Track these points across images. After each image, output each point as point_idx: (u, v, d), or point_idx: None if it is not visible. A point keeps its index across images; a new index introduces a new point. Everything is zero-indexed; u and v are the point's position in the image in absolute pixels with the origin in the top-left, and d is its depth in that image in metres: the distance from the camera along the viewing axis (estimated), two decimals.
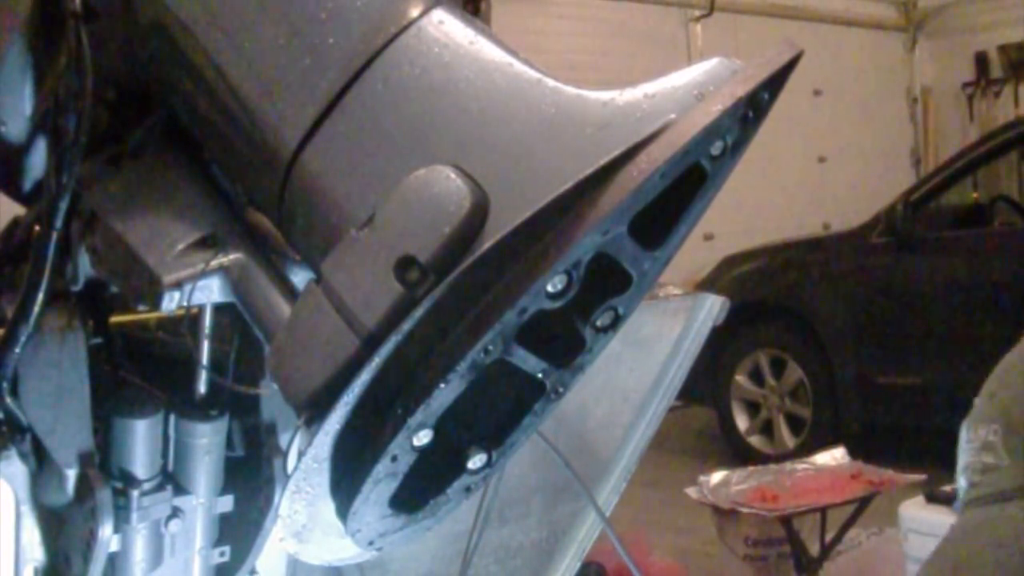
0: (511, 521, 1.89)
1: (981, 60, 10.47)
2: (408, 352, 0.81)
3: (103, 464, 1.17)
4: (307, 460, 0.85)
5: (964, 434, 1.10)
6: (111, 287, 1.16)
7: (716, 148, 0.90)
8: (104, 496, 1.14)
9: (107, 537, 1.14)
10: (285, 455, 1.09)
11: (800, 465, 4.39)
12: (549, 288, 0.84)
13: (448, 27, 0.94)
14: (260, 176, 0.99)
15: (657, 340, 1.91)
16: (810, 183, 9.64)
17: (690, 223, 0.95)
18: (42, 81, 1.11)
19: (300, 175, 0.94)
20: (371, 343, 0.81)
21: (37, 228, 1.06)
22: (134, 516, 1.17)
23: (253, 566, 1.30)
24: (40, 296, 1.06)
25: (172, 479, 1.21)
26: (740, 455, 6.34)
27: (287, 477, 0.87)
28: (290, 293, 1.03)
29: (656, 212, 0.88)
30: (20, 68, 1.10)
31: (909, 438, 5.81)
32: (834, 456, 4.42)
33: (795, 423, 6.49)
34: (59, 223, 1.05)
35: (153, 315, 1.26)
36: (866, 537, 4.31)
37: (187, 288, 1.04)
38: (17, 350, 1.07)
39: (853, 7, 10.29)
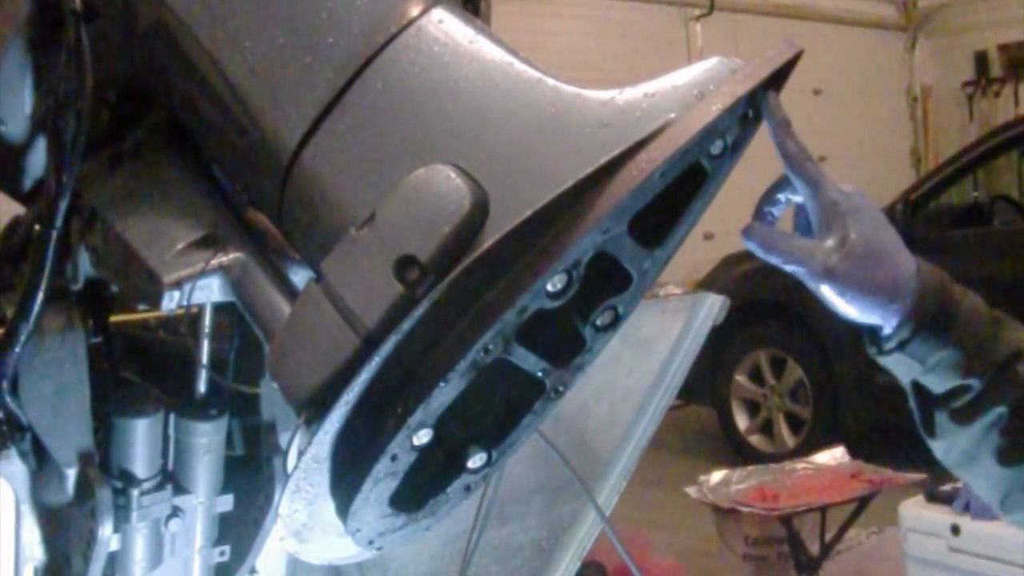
0: (511, 520, 1.89)
1: (981, 59, 10.46)
2: (408, 351, 0.81)
3: (103, 463, 1.17)
4: (307, 459, 0.85)
5: None
6: (111, 286, 1.16)
7: (716, 147, 0.90)
8: (104, 495, 1.14)
9: (107, 536, 1.14)
10: (285, 454, 1.09)
11: (800, 464, 4.38)
12: (549, 287, 0.84)
13: (448, 26, 0.94)
14: (260, 175, 0.99)
15: (657, 339, 1.92)
16: None
17: (690, 222, 0.95)
18: (42, 81, 1.11)
19: (300, 174, 0.94)
20: (371, 342, 0.81)
21: (37, 228, 1.06)
22: (134, 515, 1.17)
23: (253, 565, 1.30)
24: (40, 296, 1.06)
25: (172, 478, 1.21)
26: (740, 454, 6.33)
27: (287, 476, 0.87)
28: (290, 292, 1.03)
29: (656, 211, 0.88)
30: (20, 68, 1.10)
31: (909, 438, 5.78)
32: (834, 455, 4.42)
33: (795, 422, 6.49)
34: (59, 223, 1.05)
35: (153, 314, 1.26)
36: (866, 536, 4.31)
37: (187, 287, 1.04)
38: (17, 349, 1.07)
39: (853, 6, 10.29)
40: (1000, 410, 1.02)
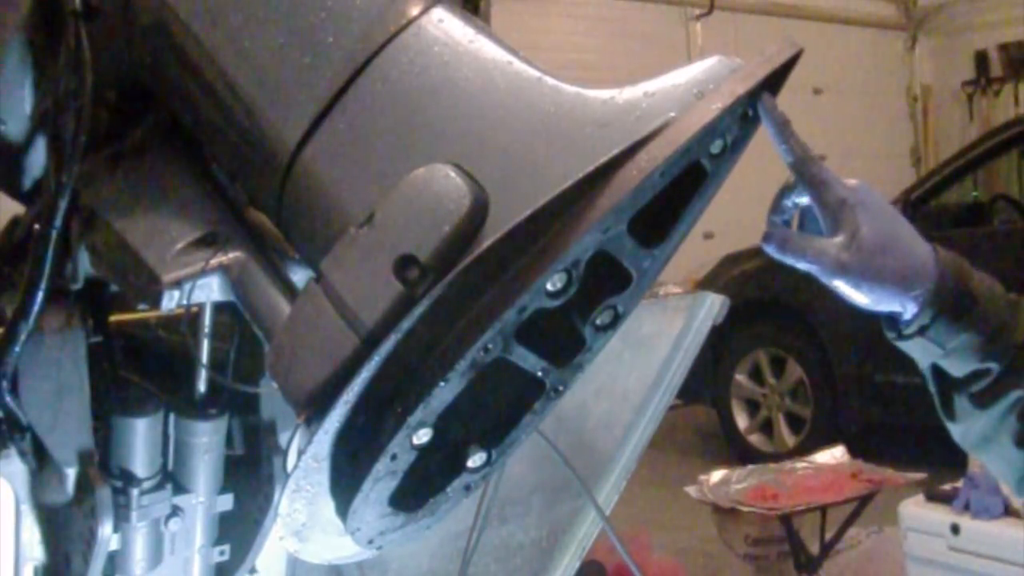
0: (511, 520, 1.89)
1: (981, 59, 10.46)
2: (408, 351, 0.81)
3: (103, 463, 1.17)
4: (307, 459, 0.85)
5: None
6: (111, 286, 1.16)
7: (716, 146, 0.90)
8: (104, 495, 1.14)
9: (107, 536, 1.14)
10: (285, 454, 1.09)
11: (800, 464, 4.38)
12: (549, 287, 0.84)
13: (448, 26, 0.94)
14: (260, 175, 0.99)
15: (657, 339, 1.92)
16: None
17: (690, 221, 0.95)
18: (42, 80, 1.10)
19: (300, 174, 0.94)
20: (371, 342, 0.81)
21: (37, 227, 1.06)
22: (134, 515, 1.17)
23: (253, 565, 1.30)
24: (40, 295, 1.06)
25: (172, 478, 1.21)
26: (740, 454, 6.34)
27: (287, 476, 0.87)
28: (290, 292, 1.03)
29: (656, 210, 0.88)
30: (20, 67, 1.10)
31: (909, 437, 5.81)
32: (834, 455, 4.42)
33: (795, 422, 6.49)
34: (59, 222, 1.05)
35: (153, 314, 1.26)
36: (866, 536, 4.32)
37: (187, 287, 1.04)
38: (17, 349, 1.07)
39: (853, 6, 10.29)
40: (1019, 393, 1.03)
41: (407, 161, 0.86)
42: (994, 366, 1.03)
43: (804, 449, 5.25)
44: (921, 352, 1.05)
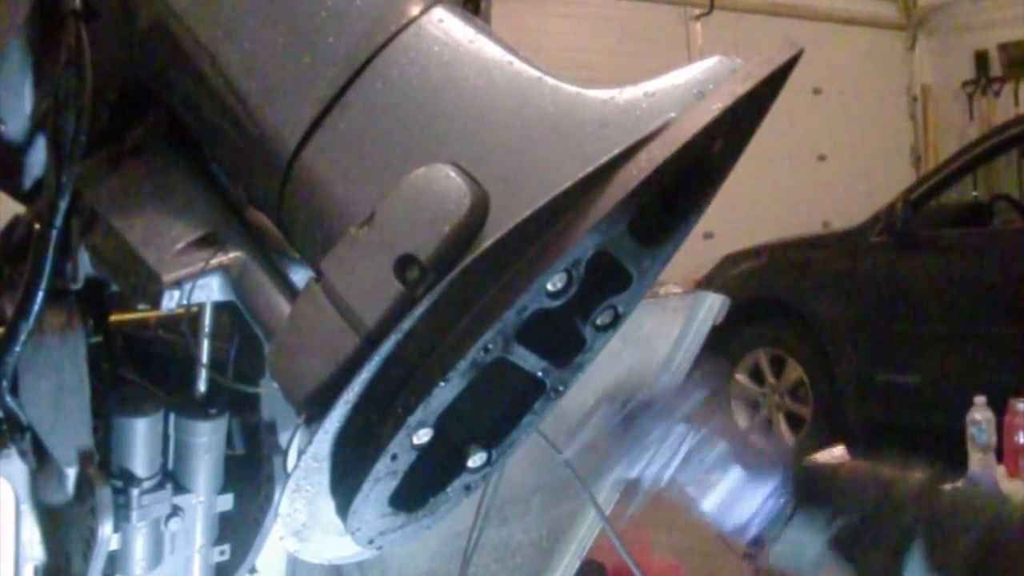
0: (511, 520, 1.89)
1: (981, 58, 10.46)
2: (408, 351, 0.81)
3: (103, 463, 1.17)
4: (307, 459, 0.85)
5: None
6: (111, 286, 1.16)
7: (716, 147, 0.90)
8: (104, 495, 1.14)
9: (107, 536, 1.14)
10: (285, 453, 1.09)
11: None
12: (549, 287, 0.84)
13: (448, 25, 0.94)
14: (260, 175, 0.99)
15: (657, 339, 1.92)
16: (810, 181, 9.65)
17: (690, 222, 0.95)
18: (42, 80, 1.10)
19: (300, 174, 0.94)
20: (371, 341, 0.81)
21: (37, 227, 1.06)
22: (134, 515, 1.17)
23: (253, 564, 1.31)
24: (40, 295, 1.06)
25: (172, 477, 1.21)
26: None
27: (287, 475, 0.87)
28: (290, 292, 1.03)
29: (656, 210, 0.88)
30: (20, 67, 1.10)
31: (908, 436, 5.81)
32: (833, 454, 4.41)
33: (795, 421, 6.50)
34: (59, 222, 1.05)
35: (153, 314, 1.26)
36: None
37: (187, 286, 1.04)
38: (17, 349, 1.07)
39: (853, 5, 10.29)
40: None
41: (407, 161, 0.86)
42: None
43: (804, 449, 5.25)
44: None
